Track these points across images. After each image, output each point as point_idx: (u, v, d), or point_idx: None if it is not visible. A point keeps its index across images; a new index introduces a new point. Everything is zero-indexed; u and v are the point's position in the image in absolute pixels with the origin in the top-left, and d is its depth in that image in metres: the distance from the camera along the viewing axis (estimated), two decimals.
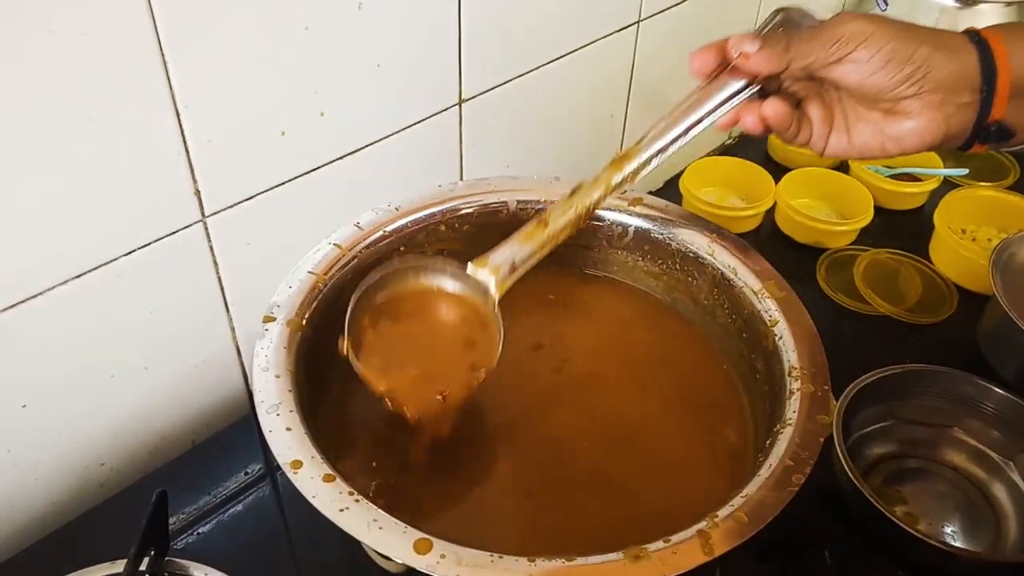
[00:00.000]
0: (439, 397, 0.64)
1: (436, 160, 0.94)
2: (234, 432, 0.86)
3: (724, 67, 0.62)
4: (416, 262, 0.68)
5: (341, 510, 0.52)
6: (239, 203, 0.78)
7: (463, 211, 0.77)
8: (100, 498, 0.81)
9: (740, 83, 0.61)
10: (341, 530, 0.52)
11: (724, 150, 1.37)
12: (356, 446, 0.68)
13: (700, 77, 0.63)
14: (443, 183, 0.78)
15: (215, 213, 0.76)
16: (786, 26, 0.62)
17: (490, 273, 0.66)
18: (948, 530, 0.80)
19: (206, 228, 0.76)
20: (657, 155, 0.64)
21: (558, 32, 0.97)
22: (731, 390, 0.73)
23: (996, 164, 1.29)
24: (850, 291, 1.05)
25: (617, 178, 0.65)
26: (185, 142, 0.71)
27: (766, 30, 0.63)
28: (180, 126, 0.70)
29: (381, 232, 0.73)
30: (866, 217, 1.12)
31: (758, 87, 0.62)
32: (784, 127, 0.62)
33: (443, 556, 0.50)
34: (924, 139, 0.60)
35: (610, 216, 0.78)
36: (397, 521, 0.52)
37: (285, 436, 0.57)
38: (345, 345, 0.64)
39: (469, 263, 0.66)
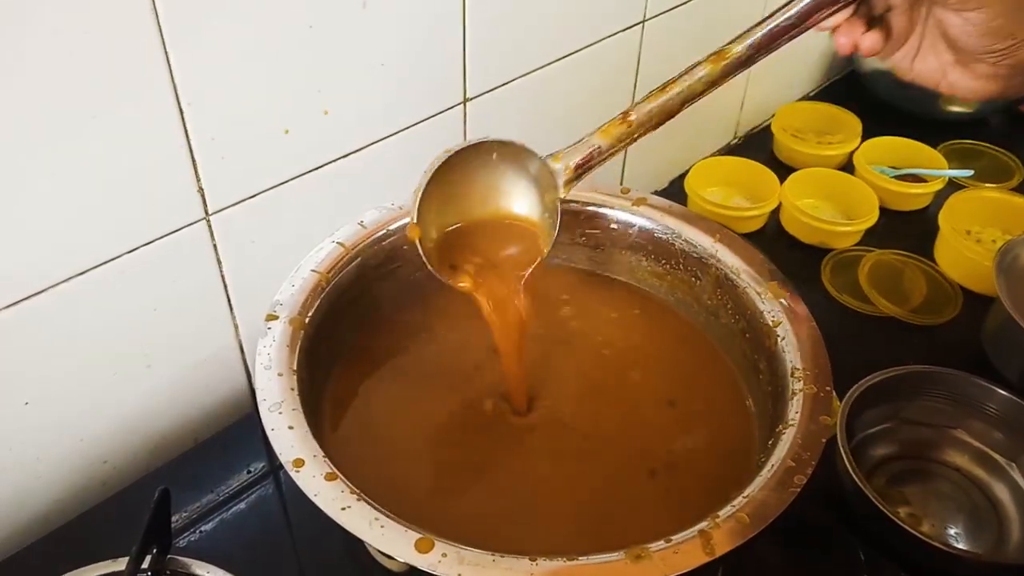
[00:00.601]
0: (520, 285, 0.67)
1: None
2: (236, 431, 0.86)
3: None
4: (491, 143, 0.67)
5: (343, 509, 0.52)
6: (242, 201, 0.78)
7: None
8: (102, 496, 0.81)
9: None
10: (343, 529, 0.52)
11: (729, 150, 1.37)
12: (359, 444, 0.68)
13: None
14: None
15: (218, 211, 0.76)
16: None
17: (563, 170, 0.65)
18: (951, 532, 0.80)
19: (209, 226, 0.76)
20: (756, 52, 0.61)
21: (562, 32, 0.97)
22: (734, 390, 0.73)
23: (1002, 165, 1.28)
24: (854, 292, 1.05)
25: (703, 72, 0.62)
26: (188, 140, 0.71)
27: None
28: (183, 124, 0.70)
29: (384, 231, 0.73)
30: (871, 218, 1.12)
31: None
32: (872, 55, 0.61)
33: (444, 555, 0.50)
34: (977, 96, 0.60)
35: (614, 215, 0.78)
36: (399, 520, 0.52)
37: (287, 434, 0.57)
38: (415, 232, 0.64)
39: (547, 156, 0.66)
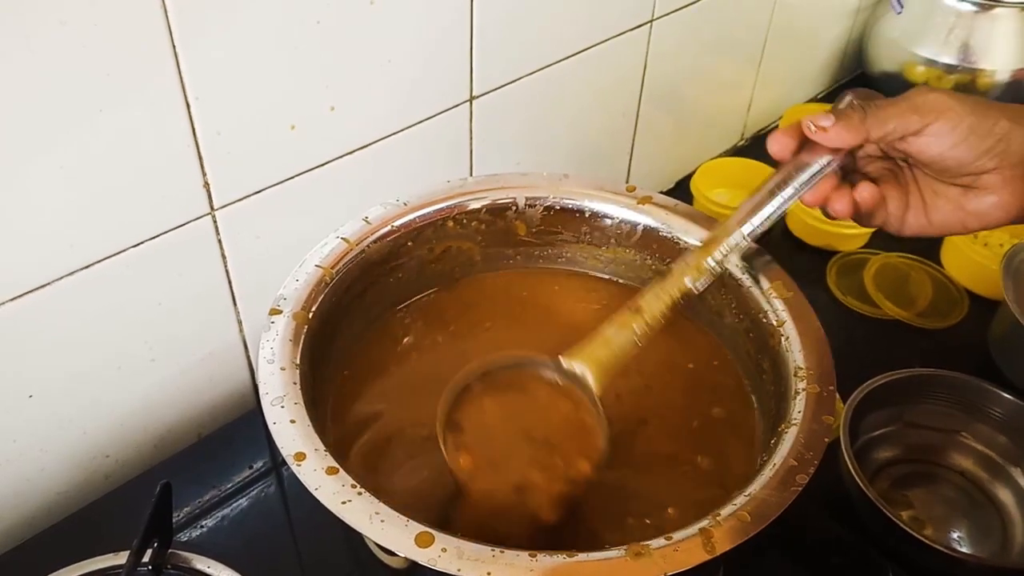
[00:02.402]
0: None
1: (446, 156, 0.94)
2: (240, 426, 0.86)
3: (801, 146, 0.64)
4: (512, 360, 0.66)
5: (344, 503, 0.52)
6: (248, 196, 0.78)
7: (471, 207, 0.76)
8: (105, 490, 0.81)
9: (820, 161, 0.63)
10: (344, 525, 0.52)
11: (736, 151, 1.37)
12: (361, 439, 0.68)
13: (781, 160, 0.65)
14: (452, 178, 0.77)
15: (224, 206, 0.76)
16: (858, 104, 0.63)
17: (587, 367, 0.64)
18: (955, 536, 0.80)
19: (215, 221, 0.77)
20: (746, 239, 0.65)
21: (570, 30, 0.97)
22: (737, 389, 0.72)
23: None
24: (860, 294, 1.05)
25: (709, 260, 0.65)
26: (195, 135, 0.71)
27: (839, 107, 0.63)
28: (190, 118, 0.70)
29: (389, 227, 0.73)
30: None
31: (837, 164, 0.63)
32: (873, 210, 0.64)
33: (444, 550, 0.50)
34: (1009, 212, 0.60)
35: (618, 214, 0.78)
36: (399, 514, 0.52)
37: (289, 428, 0.57)
38: (443, 441, 0.61)
39: (562, 357, 0.64)
